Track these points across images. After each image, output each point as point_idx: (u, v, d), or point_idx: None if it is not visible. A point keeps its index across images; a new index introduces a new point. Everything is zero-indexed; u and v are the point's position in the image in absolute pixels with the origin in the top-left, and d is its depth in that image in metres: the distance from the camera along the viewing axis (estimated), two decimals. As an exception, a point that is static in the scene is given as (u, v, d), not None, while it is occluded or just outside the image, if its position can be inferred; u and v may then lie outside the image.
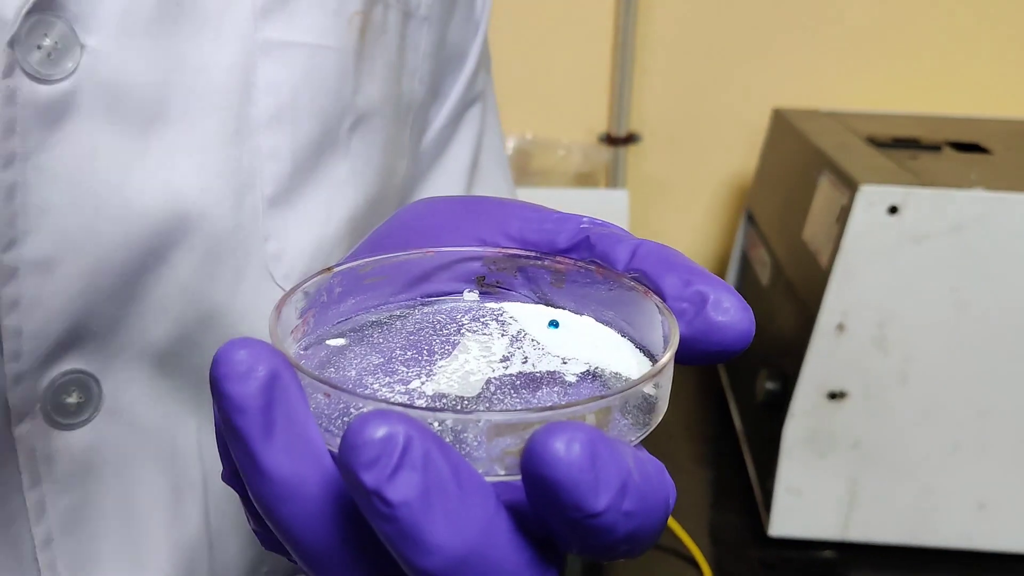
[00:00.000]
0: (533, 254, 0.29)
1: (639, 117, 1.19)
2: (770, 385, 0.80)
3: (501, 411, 0.23)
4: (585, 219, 0.29)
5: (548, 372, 0.26)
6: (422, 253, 0.29)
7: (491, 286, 0.30)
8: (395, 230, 0.33)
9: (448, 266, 0.30)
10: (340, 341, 0.28)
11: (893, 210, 0.70)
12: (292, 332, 0.27)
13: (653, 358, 0.26)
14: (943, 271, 0.71)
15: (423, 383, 0.25)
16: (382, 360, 0.26)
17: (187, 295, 0.40)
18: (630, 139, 1.19)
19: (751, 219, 1.04)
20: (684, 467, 0.95)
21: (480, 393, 0.25)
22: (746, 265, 1.04)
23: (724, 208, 1.22)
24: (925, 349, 0.73)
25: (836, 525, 0.78)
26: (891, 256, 0.71)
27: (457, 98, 0.56)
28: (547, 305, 0.29)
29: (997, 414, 0.74)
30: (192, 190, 0.39)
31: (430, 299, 0.30)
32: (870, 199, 0.70)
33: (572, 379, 0.25)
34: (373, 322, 0.29)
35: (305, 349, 0.27)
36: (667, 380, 0.24)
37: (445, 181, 0.57)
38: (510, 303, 0.29)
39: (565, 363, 0.26)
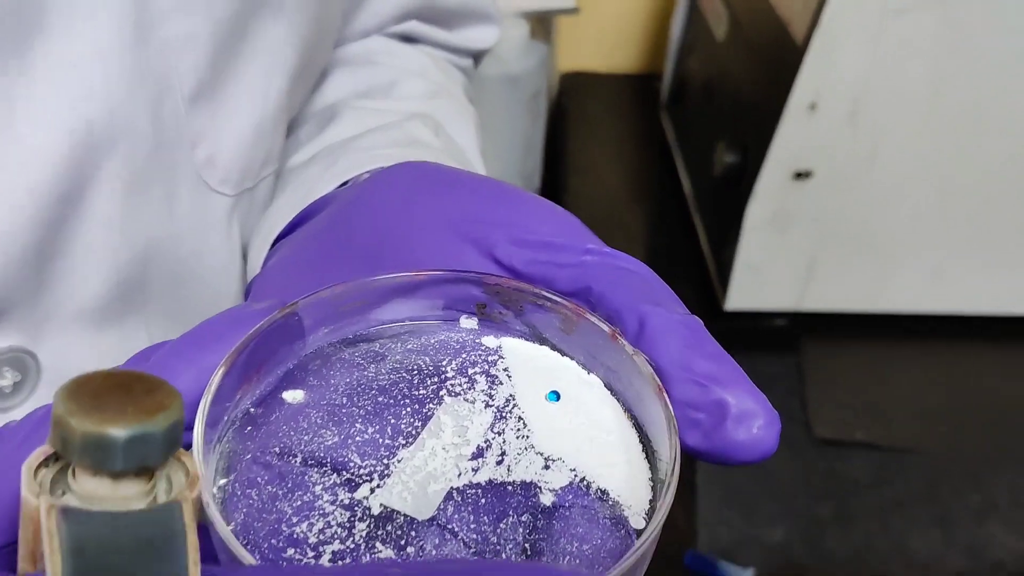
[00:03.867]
0: (542, 293, 0.24)
1: None
2: (729, 158, 0.77)
3: None
4: (590, 251, 0.25)
5: (522, 484, 0.22)
6: (411, 276, 0.25)
7: (492, 315, 0.25)
8: (360, 224, 0.28)
9: (441, 285, 0.25)
10: (298, 395, 0.23)
11: (877, -19, 0.64)
12: (241, 388, 0.22)
13: (655, 457, 0.23)
14: (923, 46, 0.67)
15: (373, 490, 0.21)
16: (336, 440, 0.22)
17: (115, 233, 0.34)
18: None
19: (699, -43, 0.97)
20: (632, 231, 0.94)
21: (434, 517, 0.21)
22: (695, 9, 0.97)
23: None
24: (898, 126, 0.70)
25: (792, 297, 0.78)
26: (871, 31, 0.66)
27: None
28: (553, 350, 0.25)
29: (959, 190, 0.73)
30: (97, 109, 0.32)
31: (419, 323, 0.25)
32: (854, -31, 0.64)
33: (548, 500, 0.22)
34: (346, 363, 0.24)
35: (256, 407, 0.23)
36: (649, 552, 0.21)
37: None
38: (510, 339, 0.25)
39: (548, 467, 0.22)
